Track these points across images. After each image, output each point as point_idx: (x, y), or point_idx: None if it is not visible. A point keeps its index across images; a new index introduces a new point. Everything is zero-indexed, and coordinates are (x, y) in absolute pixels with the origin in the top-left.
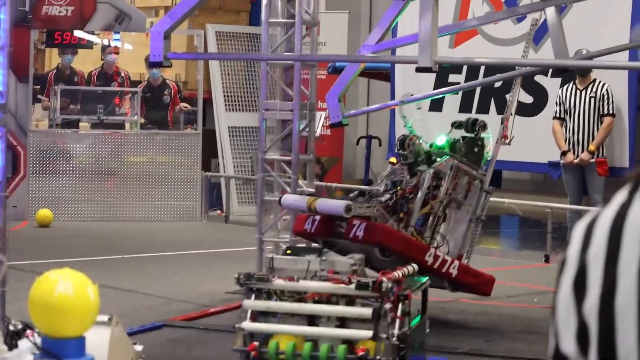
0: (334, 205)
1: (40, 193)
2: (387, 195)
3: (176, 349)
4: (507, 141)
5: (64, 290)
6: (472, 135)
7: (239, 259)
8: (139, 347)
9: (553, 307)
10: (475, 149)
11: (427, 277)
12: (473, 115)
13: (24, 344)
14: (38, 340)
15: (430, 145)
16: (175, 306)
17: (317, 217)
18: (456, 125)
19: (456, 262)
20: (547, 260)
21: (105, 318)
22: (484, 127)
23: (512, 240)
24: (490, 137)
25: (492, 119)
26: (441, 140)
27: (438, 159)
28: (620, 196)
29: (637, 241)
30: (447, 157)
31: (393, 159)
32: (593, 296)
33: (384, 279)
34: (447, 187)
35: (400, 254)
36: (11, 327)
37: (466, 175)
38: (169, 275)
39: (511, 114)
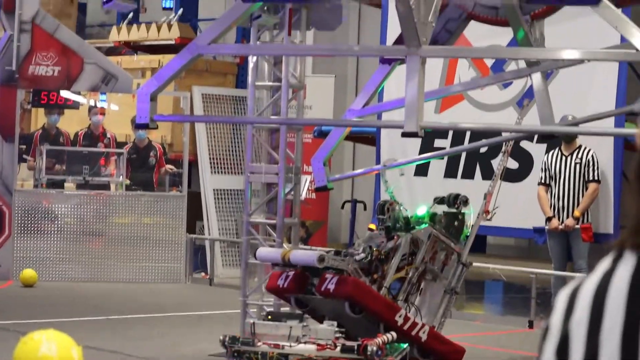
0: (307, 255)
1: (25, 253)
2: (362, 255)
3: None
4: (488, 217)
5: (48, 351)
6: (453, 209)
7: (223, 321)
8: None
9: None
10: (456, 223)
11: (407, 344)
12: (458, 180)
13: None
14: None
15: (411, 216)
16: None
17: (291, 273)
18: (438, 200)
19: (426, 327)
20: (530, 325)
21: None
22: (465, 202)
23: (496, 305)
24: (471, 212)
25: (477, 184)
26: (422, 210)
27: (417, 227)
28: (604, 264)
29: (620, 309)
30: (426, 225)
31: (372, 225)
32: None
33: (369, 343)
34: (424, 255)
35: (369, 310)
36: None
37: (444, 248)
38: (153, 337)
39: (494, 189)
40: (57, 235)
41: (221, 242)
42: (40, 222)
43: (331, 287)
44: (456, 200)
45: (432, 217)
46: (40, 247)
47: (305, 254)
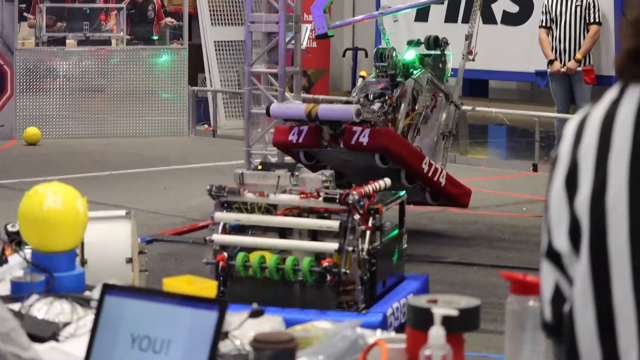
0: (341, 110)
1: (28, 111)
2: (378, 104)
3: (166, 263)
4: (471, 57)
5: (53, 203)
6: (437, 52)
7: (227, 172)
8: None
9: (545, 203)
10: (440, 65)
11: (405, 192)
12: (459, 24)
13: (13, 259)
14: (28, 254)
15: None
16: (164, 221)
17: (305, 127)
18: (414, 43)
19: (444, 172)
20: (535, 169)
21: (122, 213)
22: (447, 43)
23: (500, 149)
24: (452, 54)
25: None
26: (410, 55)
27: (415, 72)
28: (611, 94)
29: (628, 137)
30: (421, 70)
31: (363, 72)
32: (585, 192)
33: (353, 192)
34: (425, 100)
35: (401, 161)
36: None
37: (435, 91)
38: (157, 191)
39: (475, 30)
40: (60, 93)
41: (223, 93)
42: (42, 80)
43: (364, 139)
44: (437, 42)
45: (421, 60)
46: (42, 105)
47: (337, 108)
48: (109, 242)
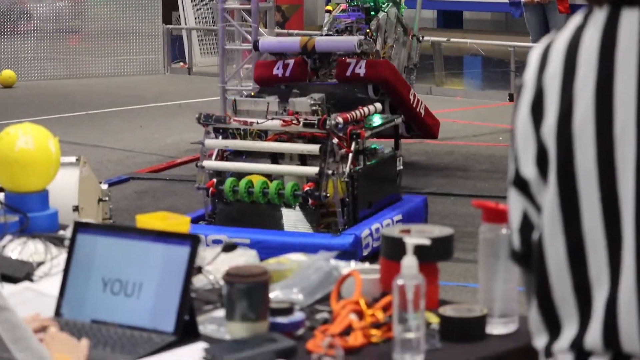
0: (344, 41)
1: (3, 54)
2: (361, 37)
3: (143, 201)
4: None
5: (25, 144)
6: None
7: (203, 109)
8: (104, 186)
9: (512, 132)
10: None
11: (400, 116)
12: None
13: None
14: (1, 196)
15: None
16: (141, 159)
17: (290, 61)
18: None
19: (423, 103)
20: (511, 98)
21: (73, 159)
22: None
23: (475, 80)
24: None
25: None
26: None
27: (383, 6)
28: (575, 20)
29: (593, 62)
30: (390, 4)
31: (329, 7)
32: (551, 118)
33: (332, 116)
34: (395, 33)
35: (395, 91)
36: None
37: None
38: (134, 129)
39: None
40: (34, 35)
41: (198, 30)
42: (16, 22)
43: (361, 71)
44: None
45: None
46: (17, 48)
47: (337, 40)
48: (54, 190)
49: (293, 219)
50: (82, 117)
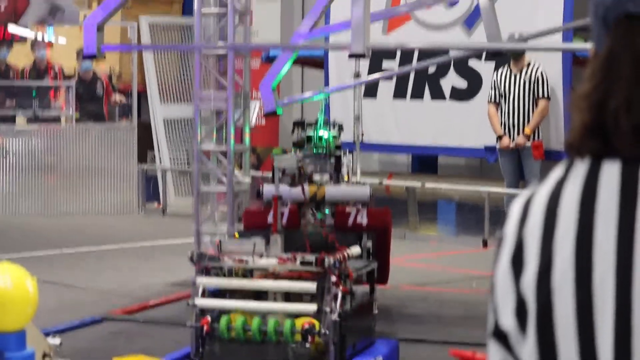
0: (358, 191)
1: None
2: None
3: (117, 342)
4: None
5: (3, 284)
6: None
7: (177, 251)
8: (56, 341)
9: (492, 283)
10: None
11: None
12: (408, 100)
13: None
14: None
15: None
16: (114, 300)
17: (285, 210)
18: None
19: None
20: (485, 245)
21: None
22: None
23: (449, 226)
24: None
25: (426, 104)
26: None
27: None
28: (556, 173)
29: (573, 216)
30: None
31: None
32: (530, 271)
33: (327, 256)
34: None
35: (386, 238)
36: None
37: None
38: (107, 269)
39: None
40: (10, 171)
41: (173, 171)
42: None
43: (363, 220)
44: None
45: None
46: None
47: (350, 190)
48: None
49: (284, 356)
50: (56, 256)
